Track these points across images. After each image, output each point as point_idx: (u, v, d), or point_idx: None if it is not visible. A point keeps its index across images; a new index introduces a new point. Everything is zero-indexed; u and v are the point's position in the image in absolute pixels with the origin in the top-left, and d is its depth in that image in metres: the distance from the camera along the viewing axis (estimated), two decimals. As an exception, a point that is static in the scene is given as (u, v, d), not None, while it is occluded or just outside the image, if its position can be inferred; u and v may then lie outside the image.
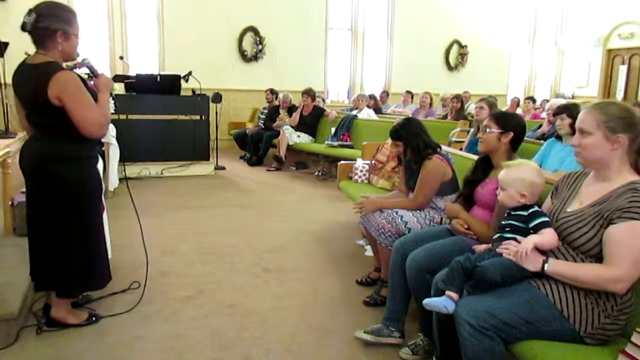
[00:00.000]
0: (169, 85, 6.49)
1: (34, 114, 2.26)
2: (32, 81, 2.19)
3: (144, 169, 6.18)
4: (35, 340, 2.35)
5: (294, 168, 7.21)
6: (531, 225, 1.81)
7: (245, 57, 9.27)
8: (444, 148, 3.13)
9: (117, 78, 6.53)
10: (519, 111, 8.52)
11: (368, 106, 7.45)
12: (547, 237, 1.74)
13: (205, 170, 6.60)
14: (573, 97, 10.85)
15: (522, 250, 1.70)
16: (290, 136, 7.05)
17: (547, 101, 9.09)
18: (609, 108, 1.69)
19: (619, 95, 10.68)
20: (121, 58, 7.34)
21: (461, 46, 11.03)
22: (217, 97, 6.94)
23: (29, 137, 2.38)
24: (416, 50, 10.56)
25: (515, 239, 1.80)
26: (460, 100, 7.35)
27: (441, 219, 2.72)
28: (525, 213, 1.85)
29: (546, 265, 1.68)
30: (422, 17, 10.53)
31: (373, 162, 4.17)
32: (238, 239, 3.97)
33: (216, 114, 6.95)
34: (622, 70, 10.82)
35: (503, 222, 1.93)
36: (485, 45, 11.23)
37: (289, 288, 3.07)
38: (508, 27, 11.51)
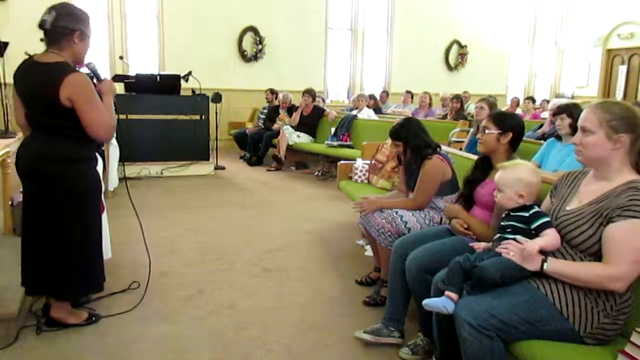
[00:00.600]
0: (168, 85, 6.50)
1: (38, 113, 2.23)
2: (41, 80, 2.15)
3: (144, 168, 6.18)
4: (35, 340, 2.35)
5: (294, 168, 7.21)
6: (533, 226, 1.80)
7: (245, 57, 9.27)
8: (444, 148, 3.13)
9: (117, 78, 6.51)
10: (518, 111, 8.53)
11: (368, 106, 7.46)
12: (552, 238, 1.74)
13: (205, 170, 6.59)
14: (573, 97, 10.85)
15: (527, 252, 1.69)
16: (290, 136, 7.04)
17: (547, 101, 9.12)
18: (612, 107, 1.69)
19: (619, 95, 10.69)
20: (121, 58, 7.33)
21: (461, 46, 11.04)
22: (217, 97, 6.94)
23: (26, 137, 2.34)
24: (416, 50, 10.57)
25: (515, 240, 1.80)
26: (460, 100, 7.35)
27: (441, 218, 2.72)
28: (526, 214, 1.85)
29: (545, 264, 1.68)
30: (422, 17, 10.53)
31: (373, 162, 4.17)
32: (238, 239, 3.97)
33: (216, 113, 6.95)
34: (622, 70, 10.83)
35: (503, 223, 1.92)
36: (485, 45, 11.23)
37: (288, 288, 3.07)
38: (508, 27, 11.51)
